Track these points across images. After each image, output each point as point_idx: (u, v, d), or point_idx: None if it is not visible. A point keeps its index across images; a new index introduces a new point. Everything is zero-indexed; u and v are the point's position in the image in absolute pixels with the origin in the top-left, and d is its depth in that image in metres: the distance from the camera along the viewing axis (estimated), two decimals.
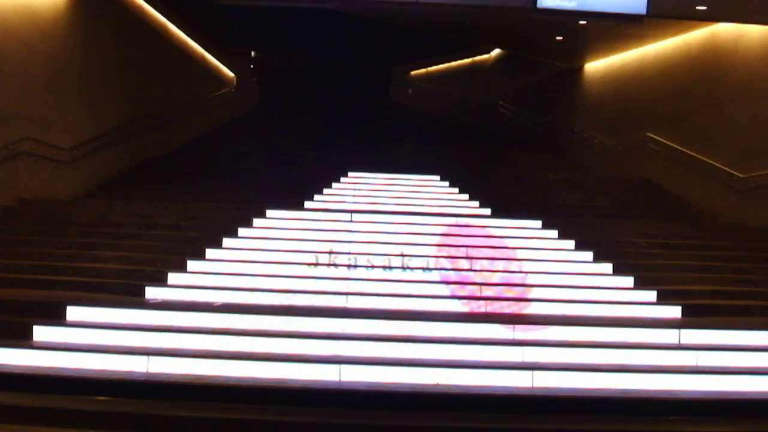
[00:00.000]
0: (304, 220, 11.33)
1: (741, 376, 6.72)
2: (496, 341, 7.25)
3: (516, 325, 7.50)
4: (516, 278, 9.42)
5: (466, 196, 13.48)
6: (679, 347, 7.34)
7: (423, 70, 29.18)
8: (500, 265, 9.85)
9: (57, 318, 7.29)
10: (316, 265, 9.54)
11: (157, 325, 7.32)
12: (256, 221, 11.00)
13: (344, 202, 13.03)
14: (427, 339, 7.20)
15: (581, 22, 14.01)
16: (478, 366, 6.70)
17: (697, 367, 6.94)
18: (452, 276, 9.38)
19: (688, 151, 14.13)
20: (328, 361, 6.61)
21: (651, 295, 9.00)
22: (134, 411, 5.76)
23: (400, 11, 16.08)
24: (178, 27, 17.58)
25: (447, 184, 14.36)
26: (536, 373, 6.52)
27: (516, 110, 23.62)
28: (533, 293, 8.97)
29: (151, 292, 8.42)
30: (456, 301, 8.60)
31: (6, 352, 6.52)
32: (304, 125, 21.43)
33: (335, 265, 9.58)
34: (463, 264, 9.84)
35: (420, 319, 7.62)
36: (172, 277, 8.89)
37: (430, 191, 14.00)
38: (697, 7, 11.42)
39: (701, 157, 13.69)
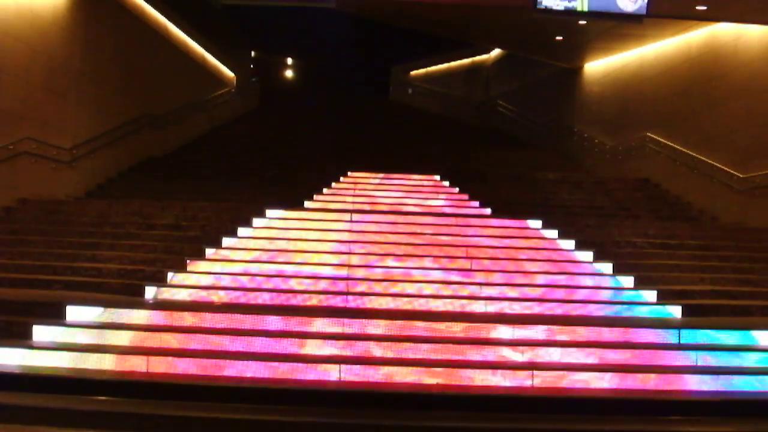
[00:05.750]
0: (303, 219, 11.33)
1: (741, 376, 6.73)
2: (497, 341, 7.26)
3: (516, 325, 7.50)
4: (516, 278, 9.42)
5: (466, 196, 13.49)
6: (679, 347, 7.34)
7: (423, 70, 29.17)
8: (500, 264, 9.85)
9: (57, 318, 7.28)
10: (317, 264, 9.56)
11: (157, 325, 7.32)
12: (256, 221, 11.00)
13: (344, 201, 13.04)
14: (427, 338, 7.20)
15: (581, 22, 14.02)
16: (478, 366, 6.70)
17: (697, 367, 6.94)
18: (452, 276, 9.38)
19: (688, 151, 14.13)
20: (328, 361, 6.61)
21: (651, 295, 9.00)
22: (134, 411, 5.76)
23: (400, 11, 16.09)
24: (178, 27, 17.57)
25: (447, 183, 14.37)
26: (536, 373, 6.52)
27: (516, 110, 23.62)
28: (533, 293, 8.97)
29: (151, 292, 8.42)
30: (456, 301, 8.59)
31: (6, 352, 6.52)
32: (303, 125, 21.43)
33: (335, 264, 9.60)
34: (463, 264, 9.85)
35: (420, 319, 7.62)
36: (172, 277, 8.89)
37: (430, 191, 14.01)
38: (696, 7, 11.42)
39: (701, 157, 13.69)
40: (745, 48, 12.87)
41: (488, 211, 12.53)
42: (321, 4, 12.42)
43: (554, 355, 6.99)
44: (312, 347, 6.92)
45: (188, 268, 9.24)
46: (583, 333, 7.51)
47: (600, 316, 8.41)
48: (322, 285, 8.90)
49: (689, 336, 7.49)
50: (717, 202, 13.28)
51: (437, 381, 6.47)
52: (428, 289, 8.92)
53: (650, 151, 15.41)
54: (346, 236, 10.64)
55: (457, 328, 7.44)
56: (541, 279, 9.46)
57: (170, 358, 6.53)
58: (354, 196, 13.38)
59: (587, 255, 10.26)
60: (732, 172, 12.83)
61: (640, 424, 5.95)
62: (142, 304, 7.98)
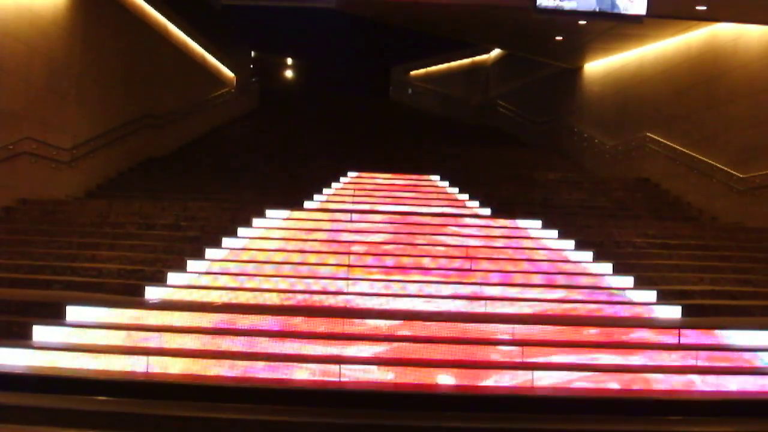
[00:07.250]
0: (304, 220, 11.33)
1: (741, 376, 6.73)
2: (497, 341, 7.26)
3: (516, 325, 7.50)
4: (516, 278, 9.42)
5: (466, 196, 13.49)
6: (679, 347, 7.34)
7: (423, 70, 29.22)
8: (500, 264, 9.85)
9: (57, 318, 7.28)
10: (317, 264, 9.56)
11: (157, 325, 7.32)
12: (256, 221, 11.00)
13: (344, 202, 13.04)
14: (427, 339, 7.20)
15: (581, 22, 14.02)
16: (478, 366, 6.70)
17: (697, 367, 6.95)
18: (452, 275, 9.38)
19: (688, 151, 14.13)
20: (328, 361, 6.62)
21: (651, 295, 8.99)
22: (134, 411, 5.76)
23: (400, 11, 16.10)
24: (178, 27, 17.58)
25: (447, 183, 14.37)
26: (536, 373, 6.52)
27: (516, 110, 23.64)
28: (533, 293, 8.97)
29: (151, 292, 8.41)
30: (456, 301, 8.59)
31: (6, 352, 6.51)
32: (303, 125, 21.44)
33: (335, 265, 9.59)
34: (463, 263, 9.84)
35: (420, 319, 7.62)
36: (172, 277, 8.89)
37: (430, 191, 14.01)
38: (696, 7, 11.42)
39: (701, 157, 13.69)
40: (745, 48, 12.87)
41: (488, 211, 12.53)
42: (321, 4, 12.44)
43: (554, 355, 6.98)
44: (312, 347, 6.92)
45: (188, 269, 9.24)
46: (583, 333, 7.51)
47: (600, 316, 8.41)
48: (322, 285, 8.90)
49: (689, 336, 7.49)
50: (717, 202, 13.28)
51: (437, 381, 6.47)
52: (428, 288, 8.92)
53: (650, 151, 15.42)
54: (346, 236, 10.64)
55: (457, 328, 7.44)
56: (540, 279, 9.45)
57: (170, 358, 6.53)
58: (354, 196, 13.38)
59: (587, 255, 10.26)
60: (732, 172, 12.83)
61: (640, 424, 5.95)
62: (142, 304, 7.98)
